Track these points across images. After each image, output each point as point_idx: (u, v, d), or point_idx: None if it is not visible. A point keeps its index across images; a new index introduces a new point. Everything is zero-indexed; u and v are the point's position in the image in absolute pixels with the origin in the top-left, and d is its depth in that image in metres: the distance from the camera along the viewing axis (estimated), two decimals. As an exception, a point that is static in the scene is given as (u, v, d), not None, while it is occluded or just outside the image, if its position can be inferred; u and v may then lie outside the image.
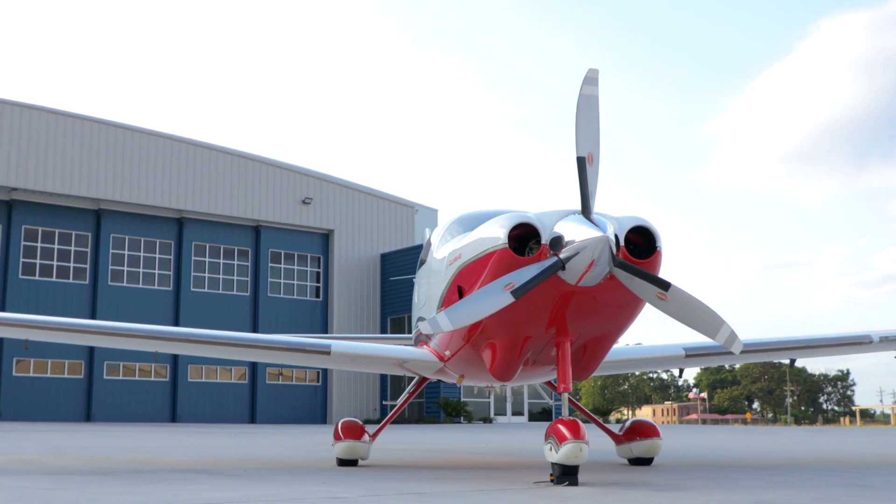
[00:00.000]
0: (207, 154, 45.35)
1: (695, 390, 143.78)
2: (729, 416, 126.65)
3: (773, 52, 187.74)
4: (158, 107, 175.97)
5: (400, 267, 48.90)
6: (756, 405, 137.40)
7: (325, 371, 47.20)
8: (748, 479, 8.73)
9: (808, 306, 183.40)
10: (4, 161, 39.64)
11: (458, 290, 8.68)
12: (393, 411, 11.47)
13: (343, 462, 10.47)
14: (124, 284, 43.42)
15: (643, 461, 10.79)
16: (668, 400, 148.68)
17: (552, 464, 7.74)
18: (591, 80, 7.93)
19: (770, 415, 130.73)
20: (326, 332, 46.63)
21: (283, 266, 48.12)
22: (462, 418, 44.87)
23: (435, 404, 45.45)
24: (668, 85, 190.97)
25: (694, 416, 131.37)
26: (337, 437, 10.45)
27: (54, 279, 41.79)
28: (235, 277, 46.67)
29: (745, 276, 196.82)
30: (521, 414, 48.74)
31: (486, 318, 8.48)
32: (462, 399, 46.01)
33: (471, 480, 8.37)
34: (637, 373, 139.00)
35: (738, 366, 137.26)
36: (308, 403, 47.09)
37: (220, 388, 44.78)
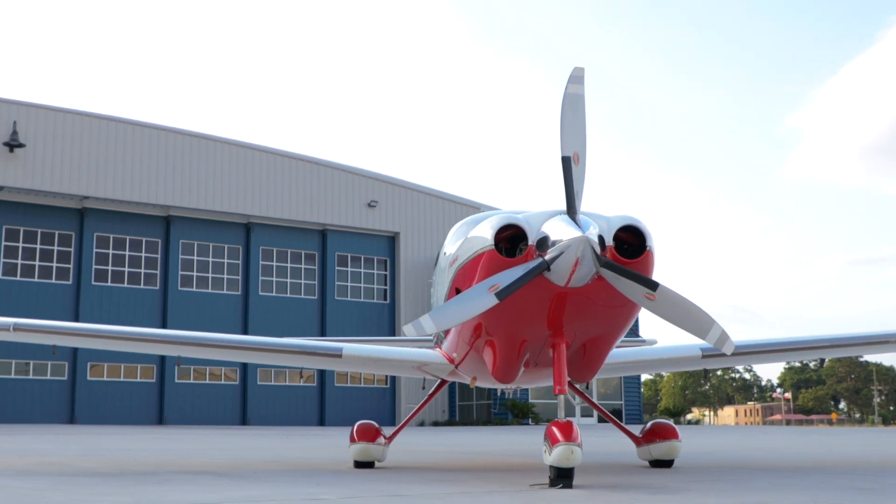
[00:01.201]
0: (274, 160, 45.92)
1: (778, 390, 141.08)
2: (814, 417, 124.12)
3: (854, 45, 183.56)
4: (226, 114, 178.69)
5: (467, 269, 48.95)
6: (842, 405, 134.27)
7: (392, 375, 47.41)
8: (752, 481, 8.55)
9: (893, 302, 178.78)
10: (76, 170, 40.64)
11: (455, 291, 8.67)
12: (412, 413, 11.46)
13: (359, 464, 10.51)
14: (194, 289, 44.17)
15: (663, 463, 10.64)
16: (752, 400, 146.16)
17: (549, 466, 7.69)
18: (576, 78, 7.85)
19: (857, 415, 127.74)
20: (394, 335, 46.84)
21: (349, 269, 48.48)
22: (529, 420, 44.70)
23: (502, 406, 45.35)
24: (747, 80, 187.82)
25: (778, 417, 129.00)
26: (352, 440, 10.49)
27: (126, 285, 42.70)
28: (303, 281, 47.15)
29: (829, 272, 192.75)
30: (590, 416, 48.33)
31: (483, 321, 8.48)
32: (530, 400, 45.85)
33: (466, 483, 8.34)
34: (719, 372, 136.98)
35: (824, 365, 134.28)
36: (377, 406, 47.28)
37: (291, 391, 45.22)
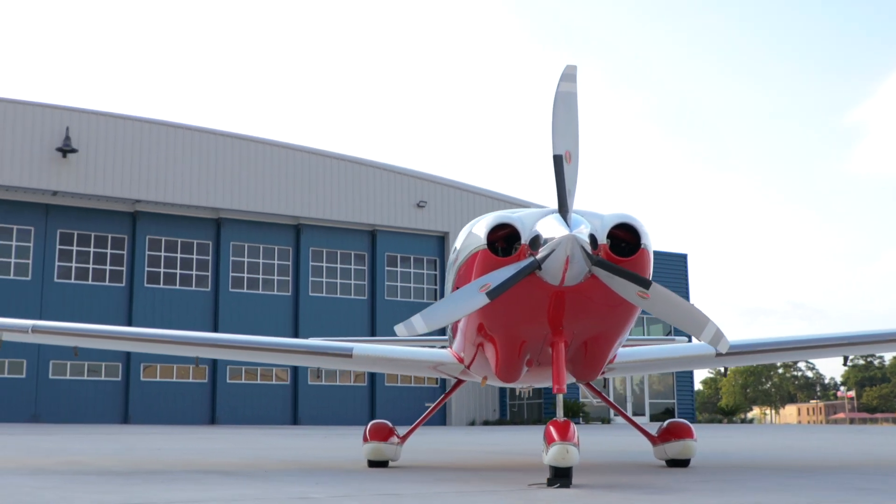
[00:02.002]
0: (323, 161, 46.26)
1: (842, 388, 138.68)
2: (878, 416, 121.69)
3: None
4: (275, 116, 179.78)
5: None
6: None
7: (443, 374, 47.45)
8: (758, 482, 8.44)
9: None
10: (128, 174, 41.33)
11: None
12: (426, 413, 11.48)
13: (372, 463, 10.56)
14: (244, 291, 44.64)
15: (678, 463, 10.54)
16: (815, 398, 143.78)
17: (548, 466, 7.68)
18: (568, 76, 7.82)
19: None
20: (444, 335, 46.83)
21: (399, 269, 48.66)
22: (580, 419, 44.48)
23: (552, 405, 45.11)
24: (807, 75, 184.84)
25: (841, 416, 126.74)
26: (364, 440, 10.54)
27: (177, 287, 43.31)
28: (353, 282, 47.42)
29: (892, 267, 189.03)
30: (642, 414, 47.99)
31: (483, 321, 8.50)
32: (580, 399, 45.61)
33: (467, 482, 8.33)
34: (780, 370, 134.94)
35: (887, 362, 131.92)
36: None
37: (341, 391, 45.44)
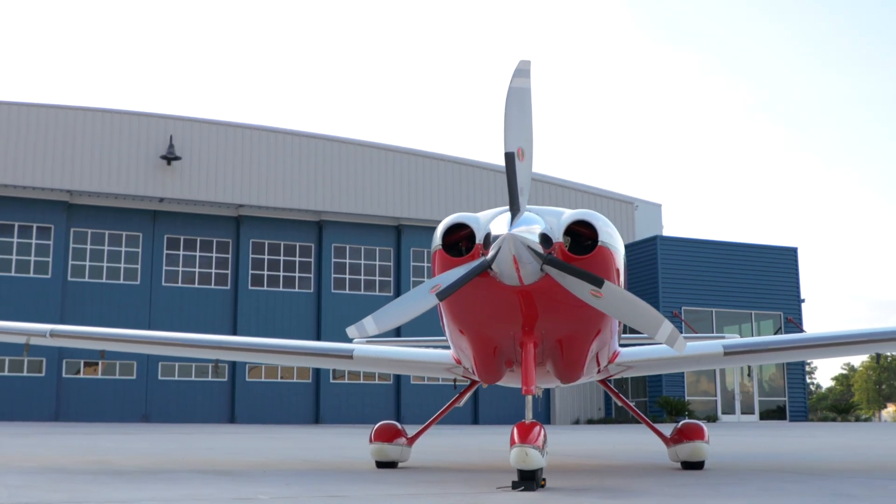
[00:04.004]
0: (422, 161, 46.52)
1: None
2: None
3: None
4: (371, 118, 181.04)
5: (620, 264, 48.28)
6: None
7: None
8: (743, 486, 8.16)
9: None
10: (230, 179, 42.40)
11: None
12: (437, 414, 11.42)
13: (380, 464, 10.57)
14: (346, 292, 45.24)
15: (692, 465, 10.23)
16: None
17: None
18: (522, 71, 7.69)
19: None
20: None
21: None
22: (685, 417, 43.59)
23: (656, 403, 44.45)
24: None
25: None
26: (370, 441, 10.57)
27: (281, 289, 44.18)
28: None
29: None
30: (751, 413, 46.77)
31: (452, 322, 8.45)
32: (686, 398, 44.74)
33: (436, 484, 8.25)
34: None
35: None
36: (531, 404, 47.09)
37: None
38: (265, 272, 44.07)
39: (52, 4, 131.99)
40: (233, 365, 42.23)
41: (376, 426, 10.71)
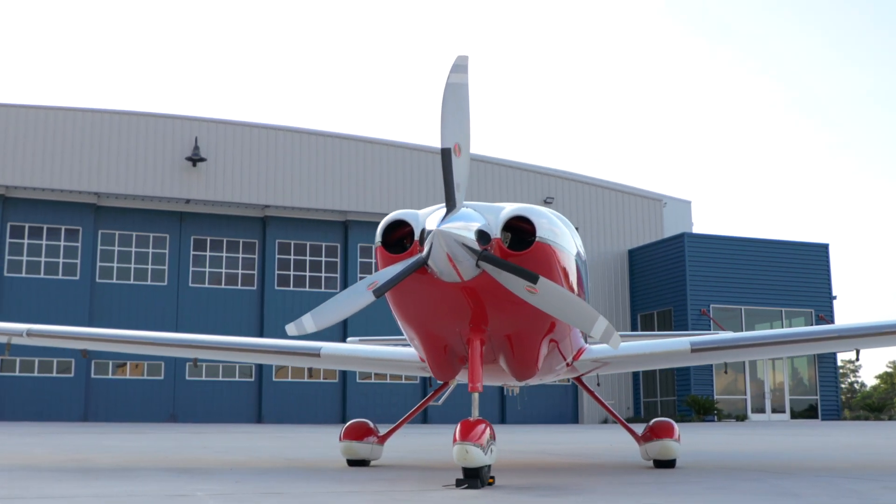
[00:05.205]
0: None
1: None
2: None
3: None
4: (398, 118, 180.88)
5: (648, 262, 47.98)
6: None
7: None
8: (691, 483, 8.05)
9: None
10: (255, 180, 42.70)
11: None
12: (408, 413, 11.37)
13: (351, 462, 10.56)
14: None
15: (662, 464, 10.12)
16: None
17: None
18: (459, 67, 7.62)
19: None
20: (575, 331, 46.26)
21: (530, 267, 48.34)
22: (714, 416, 43.21)
23: (684, 402, 44.08)
24: None
25: None
26: (339, 439, 10.56)
27: (307, 289, 44.36)
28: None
29: None
30: (782, 411, 46.24)
31: (400, 320, 8.42)
32: (714, 396, 44.30)
33: (386, 482, 8.22)
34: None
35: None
36: (559, 403, 47.02)
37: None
38: (291, 272, 44.32)
39: (79, 10, 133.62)
40: (260, 365, 42.48)
41: (346, 424, 10.70)
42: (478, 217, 7.46)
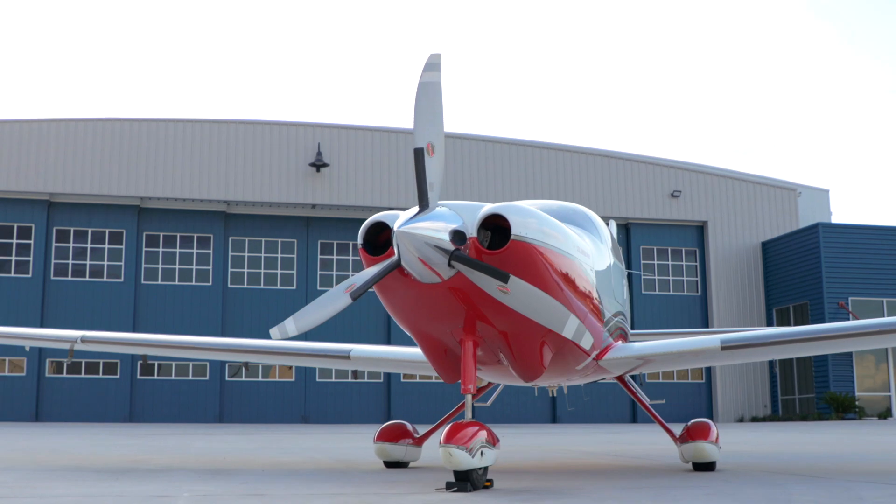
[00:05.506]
0: (570, 157, 46.12)
1: None
2: None
3: None
4: (509, 113, 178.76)
5: (783, 254, 46.35)
6: None
7: (708, 368, 45.72)
8: (696, 488, 7.72)
9: None
10: (376, 183, 43.33)
11: None
12: (445, 416, 11.25)
13: (387, 464, 10.55)
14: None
15: (701, 466, 9.74)
16: None
17: None
18: (432, 65, 7.50)
19: None
20: (707, 327, 45.22)
21: (655, 262, 47.47)
22: (855, 414, 41.39)
23: (822, 399, 42.37)
24: None
25: None
26: (374, 440, 10.57)
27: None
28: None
29: None
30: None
31: (398, 323, 8.35)
32: (855, 393, 42.38)
33: (383, 484, 8.16)
34: None
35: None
36: (693, 401, 45.85)
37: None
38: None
39: (201, 27, 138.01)
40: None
41: (382, 426, 10.70)
42: (452, 217, 7.33)
